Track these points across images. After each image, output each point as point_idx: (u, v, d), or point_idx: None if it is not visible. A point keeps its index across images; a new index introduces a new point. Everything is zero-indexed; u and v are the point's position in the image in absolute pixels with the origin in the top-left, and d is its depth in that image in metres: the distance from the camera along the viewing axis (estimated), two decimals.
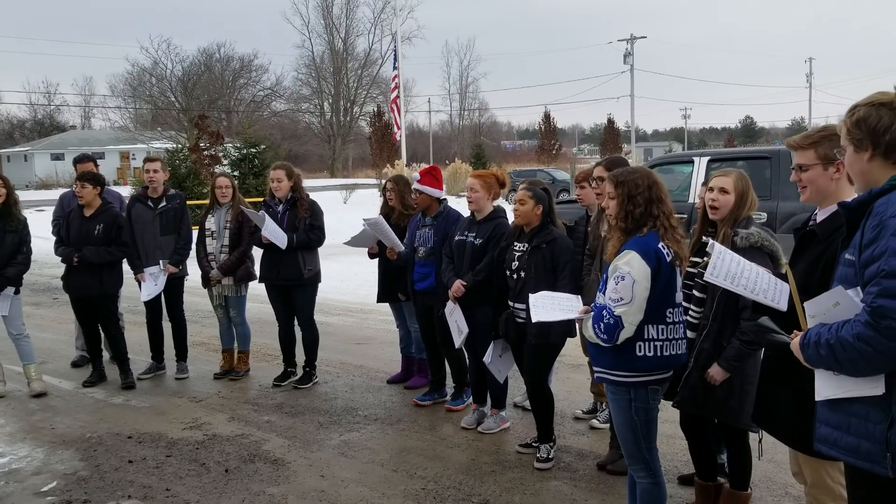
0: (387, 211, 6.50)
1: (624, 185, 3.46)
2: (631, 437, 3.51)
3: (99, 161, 7.78)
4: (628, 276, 3.33)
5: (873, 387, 2.18)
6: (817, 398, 2.37)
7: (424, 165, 32.02)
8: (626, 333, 3.36)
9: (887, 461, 2.17)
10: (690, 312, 3.86)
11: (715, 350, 3.72)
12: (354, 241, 6.40)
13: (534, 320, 3.86)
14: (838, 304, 2.19)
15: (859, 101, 2.38)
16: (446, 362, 6.14)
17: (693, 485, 4.21)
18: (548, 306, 3.81)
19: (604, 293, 3.47)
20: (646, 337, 3.41)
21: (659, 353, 3.43)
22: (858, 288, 2.19)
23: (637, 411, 3.48)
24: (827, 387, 2.31)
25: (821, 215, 3.01)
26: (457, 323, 5.38)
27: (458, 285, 5.30)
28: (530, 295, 4.00)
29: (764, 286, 2.97)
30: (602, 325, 3.36)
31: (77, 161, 7.43)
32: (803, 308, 2.44)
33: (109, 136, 58.77)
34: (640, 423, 3.49)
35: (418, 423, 5.72)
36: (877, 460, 2.20)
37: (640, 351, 3.41)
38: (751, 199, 3.87)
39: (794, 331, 2.49)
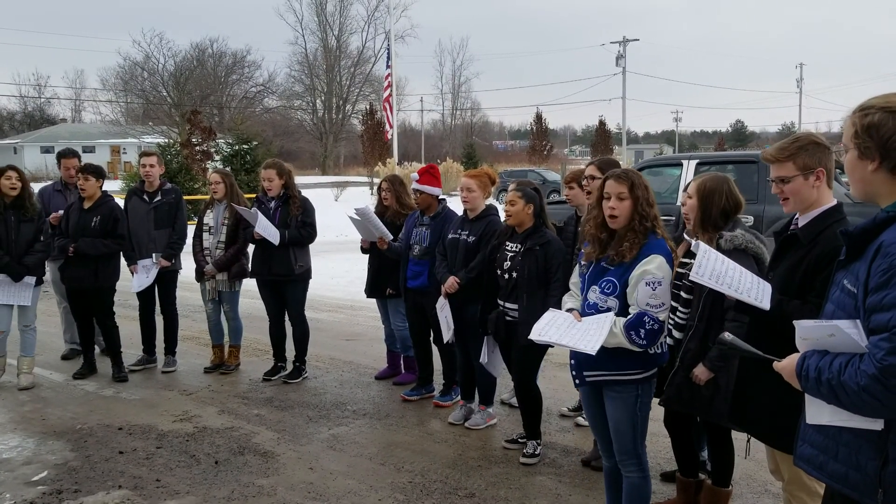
0: (381, 209, 6.56)
1: (639, 187, 3.46)
2: (630, 433, 3.56)
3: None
4: (663, 280, 3.36)
5: (872, 422, 2.06)
6: (808, 421, 2.25)
7: (417, 164, 31.81)
8: (663, 337, 3.44)
9: (878, 496, 2.07)
10: (678, 313, 3.91)
11: (701, 350, 3.78)
12: (358, 226, 6.34)
13: (594, 353, 3.33)
14: (833, 336, 2.07)
15: (874, 101, 2.13)
16: (435, 358, 6.22)
17: (675, 481, 4.30)
18: (567, 335, 3.47)
19: (615, 296, 3.42)
20: None
21: (663, 349, 3.56)
22: (858, 321, 2.05)
23: (641, 407, 3.54)
24: (820, 413, 2.18)
25: (802, 220, 3.07)
26: (445, 319, 5.46)
27: (451, 281, 5.38)
28: (535, 339, 3.57)
29: (747, 285, 3.00)
30: (643, 331, 3.32)
31: (61, 156, 7.44)
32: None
33: (100, 130, 58.57)
34: (640, 418, 3.56)
35: (406, 418, 5.79)
36: (866, 493, 2.10)
37: (651, 349, 3.47)
38: (721, 200, 3.82)
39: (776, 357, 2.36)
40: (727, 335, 2.56)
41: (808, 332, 2.14)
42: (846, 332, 2.03)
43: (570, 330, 3.50)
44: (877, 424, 2.05)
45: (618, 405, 3.55)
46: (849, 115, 2.19)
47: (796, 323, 2.18)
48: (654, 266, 3.36)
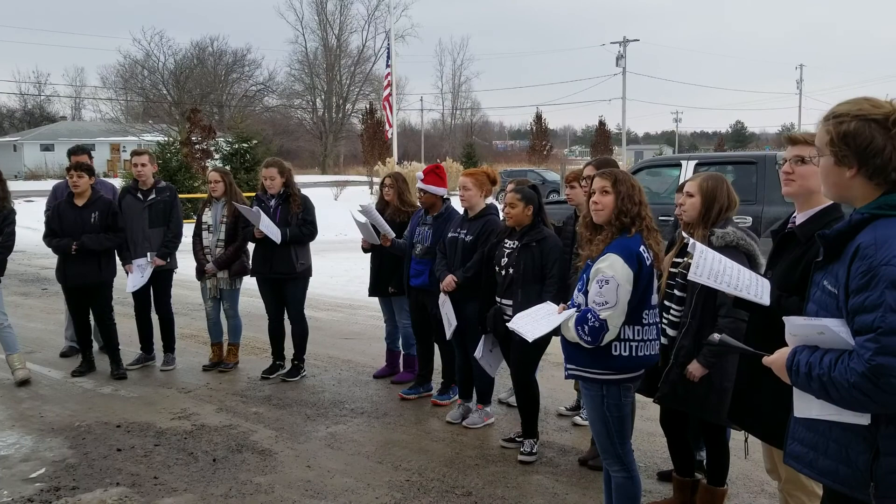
0: (382, 206, 6.57)
1: (623, 183, 3.52)
2: (604, 432, 3.60)
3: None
4: (612, 279, 3.39)
5: (859, 416, 2.10)
6: (796, 415, 2.29)
7: (417, 164, 31.75)
8: (609, 336, 3.43)
9: (869, 490, 2.10)
10: (672, 311, 3.95)
11: (694, 347, 3.80)
12: (361, 227, 6.30)
13: (530, 340, 3.78)
14: (823, 334, 2.12)
15: (846, 109, 2.17)
16: (436, 358, 6.23)
17: (671, 480, 4.31)
18: (530, 324, 3.79)
19: (583, 292, 3.54)
20: (622, 337, 3.48)
21: (633, 354, 3.52)
22: (844, 321, 2.09)
23: (609, 408, 3.56)
24: (809, 407, 2.22)
25: (799, 217, 3.09)
26: (447, 316, 5.47)
27: (449, 280, 5.40)
28: (508, 325, 4.00)
29: (746, 282, 3.00)
30: (587, 327, 3.41)
31: (72, 153, 7.44)
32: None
33: (100, 128, 58.48)
34: (612, 419, 3.58)
35: (404, 416, 5.80)
36: (857, 487, 2.13)
37: (615, 351, 3.49)
38: (722, 199, 3.88)
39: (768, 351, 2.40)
40: (715, 336, 2.61)
41: (799, 329, 2.18)
42: (835, 331, 2.07)
43: (540, 320, 3.73)
44: (864, 419, 2.09)
45: (588, 402, 3.66)
46: (822, 122, 2.22)
47: (786, 319, 2.22)
48: (605, 265, 3.43)
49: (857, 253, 2.07)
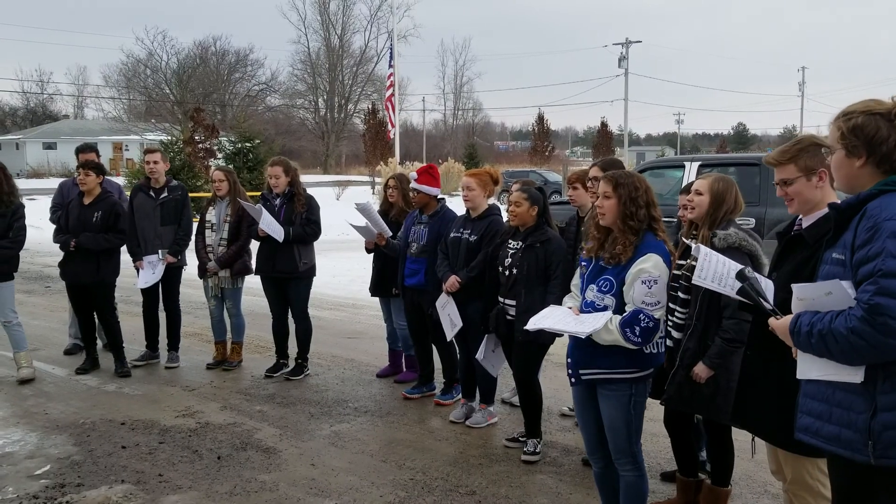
0: (387, 207, 6.59)
1: (624, 187, 3.51)
2: (624, 432, 3.59)
3: None
4: (659, 279, 3.41)
5: (853, 374, 2.29)
6: (799, 376, 2.47)
7: (418, 164, 31.90)
8: (659, 334, 3.47)
9: (868, 449, 2.26)
10: (676, 313, 3.96)
11: (700, 348, 3.82)
12: (361, 231, 6.35)
13: (584, 334, 3.46)
14: (830, 294, 2.28)
15: (855, 107, 2.42)
16: (435, 357, 6.25)
17: (675, 481, 4.32)
18: (559, 323, 3.63)
19: (612, 294, 3.48)
20: None
21: (659, 350, 3.59)
22: (850, 282, 2.28)
23: (635, 405, 3.58)
24: (811, 368, 2.42)
25: (806, 220, 3.09)
26: (450, 316, 5.48)
27: (452, 280, 5.41)
28: (528, 327, 3.76)
29: None
30: (638, 328, 3.37)
31: (79, 150, 7.47)
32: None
33: (102, 127, 58.48)
34: (634, 417, 3.59)
35: (407, 415, 5.81)
36: (857, 448, 2.29)
37: (647, 348, 3.50)
38: (730, 201, 3.91)
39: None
40: (748, 270, 2.70)
41: (806, 292, 2.38)
42: (844, 289, 2.27)
43: (565, 318, 3.62)
44: (857, 377, 2.29)
45: (612, 403, 3.59)
46: (832, 121, 2.49)
47: (795, 285, 2.42)
48: (650, 265, 3.42)
49: (865, 214, 2.31)
